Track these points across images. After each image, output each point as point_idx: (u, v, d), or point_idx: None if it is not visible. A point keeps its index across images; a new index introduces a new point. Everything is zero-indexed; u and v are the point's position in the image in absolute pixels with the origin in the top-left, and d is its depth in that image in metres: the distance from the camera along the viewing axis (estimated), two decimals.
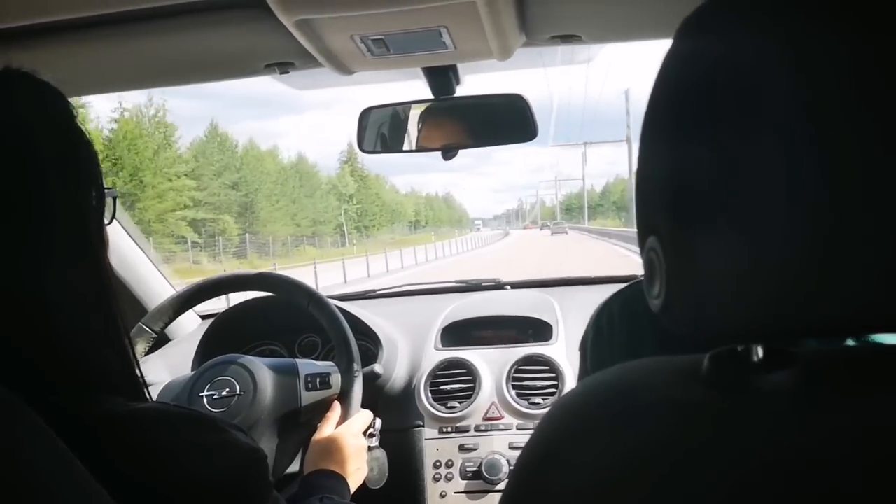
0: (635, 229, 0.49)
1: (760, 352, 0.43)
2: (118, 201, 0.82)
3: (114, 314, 0.74)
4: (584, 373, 0.91)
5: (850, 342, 0.55)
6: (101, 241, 0.74)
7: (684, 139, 0.42)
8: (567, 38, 1.16)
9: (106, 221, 0.75)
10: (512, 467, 1.60)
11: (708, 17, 0.43)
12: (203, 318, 2.11)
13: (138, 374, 0.76)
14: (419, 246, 39.92)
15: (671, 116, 0.43)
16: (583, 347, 0.90)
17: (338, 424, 1.36)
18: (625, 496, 0.41)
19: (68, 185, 0.70)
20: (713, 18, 0.42)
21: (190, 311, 1.71)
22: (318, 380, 1.40)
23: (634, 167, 0.49)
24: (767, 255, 0.37)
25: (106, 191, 0.75)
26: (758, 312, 0.39)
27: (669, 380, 0.46)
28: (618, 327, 0.83)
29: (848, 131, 0.35)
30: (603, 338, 0.85)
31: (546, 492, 0.45)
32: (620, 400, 0.46)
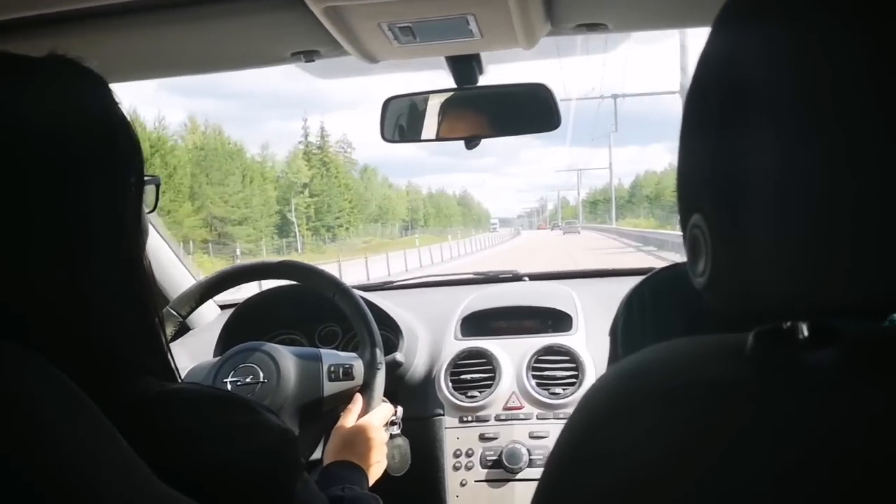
0: (676, 231, 0.47)
1: (806, 329, 0.43)
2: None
3: (147, 298, 0.74)
4: (614, 358, 0.91)
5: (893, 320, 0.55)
6: (138, 228, 0.74)
7: (729, 122, 0.42)
8: (593, 27, 1.16)
9: (148, 209, 0.76)
10: (533, 457, 1.61)
11: (747, 4, 0.43)
12: (222, 307, 2.12)
13: (169, 356, 0.77)
14: (398, 252, 32.38)
15: (717, 100, 0.43)
16: (613, 332, 0.90)
17: (359, 416, 1.37)
18: (674, 473, 0.41)
19: (110, 172, 0.70)
20: (753, 5, 0.42)
21: (210, 300, 1.73)
22: (341, 370, 1.41)
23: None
24: (815, 232, 0.38)
25: (149, 178, 0.75)
26: (805, 289, 0.39)
27: (714, 358, 0.46)
28: (648, 312, 0.84)
29: (891, 118, 0.35)
30: (633, 322, 0.85)
31: (590, 469, 0.45)
32: (666, 378, 0.46)
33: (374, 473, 1.30)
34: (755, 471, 0.38)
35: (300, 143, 69.55)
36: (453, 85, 1.36)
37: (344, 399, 1.41)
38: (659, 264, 1.24)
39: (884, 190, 0.36)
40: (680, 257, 0.47)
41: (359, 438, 1.31)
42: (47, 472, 0.53)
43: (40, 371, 0.56)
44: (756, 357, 0.44)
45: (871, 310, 0.42)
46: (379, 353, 1.43)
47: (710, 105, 0.44)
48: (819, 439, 0.38)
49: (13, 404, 0.53)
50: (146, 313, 0.74)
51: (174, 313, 1.49)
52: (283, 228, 57.14)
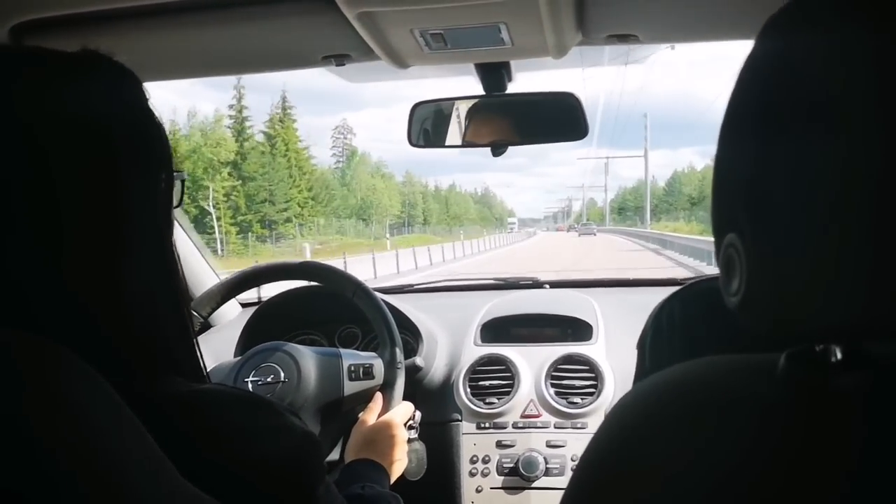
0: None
1: (839, 353, 0.43)
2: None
3: (178, 297, 0.75)
4: (641, 371, 0.91)
5: None
6: (168, 225, 0.75)
7: (768, 139, 0.41)
8: (624, 38, 1.16)
9: (175, 204, 0.77)
10: (549, 465, 1.61)
11: (795, 16, 0.42)
12: (244, 306, 2.14)
13: (198, 355, 0.78)
14: (361, 256, 27.62)
15: (755, 115, 0.43)
16: (640, 346, 0.90)
17: (379, 415, 1.37)
18: (706, 493, 0.41)
19: (142, 170, 0.71)
20: (800, 18, 0.42)
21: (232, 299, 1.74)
22: (361, 370, 1.41)
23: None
24: (852, 255, 0.37)
25: (176, 173, 0.76)
26: (840, 312, 0.39)
27: (745, 377, 0.46)
28: (677, 327, 0.84)
29: None
30: (662, 337, 0.85)
31: (622, 484, 0.45)
32: (696, 396, 0.46)
33: (395, 471, 1.30)
34: (783, 492, 0.38)
35: (230, 108, 52.88)
36: (481, 91, 1.37)
37: (364, 398, 1.42)
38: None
39: None
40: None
41: (380, 436, 1.31)
42: (90, 473, 0.53)
43: (79, 371, 0.57)
44: (787, 379, 0.44)
45: None
46: (399, 352, 1.44)
47: (750, 120, 0.44)
48: (845, 463, 0.38)
49: (55, 403, 0.54)
50: (180, 310, 0.75)
51: (196, 314, 1.50)
52: (200, 222, 43.18)
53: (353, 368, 1.41)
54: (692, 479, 0.42)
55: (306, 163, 55.42)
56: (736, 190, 0.45)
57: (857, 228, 0.37)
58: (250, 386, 1.36)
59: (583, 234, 68.69)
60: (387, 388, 1.42)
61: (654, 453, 0.45)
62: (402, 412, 1.40)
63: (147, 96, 0.74)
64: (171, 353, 0.73)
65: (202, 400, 0.71)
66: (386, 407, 1.39)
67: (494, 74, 1.31)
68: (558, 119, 1.42)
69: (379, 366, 1.44)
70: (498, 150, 1.43)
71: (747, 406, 0.43)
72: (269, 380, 1.37)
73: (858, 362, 0.42)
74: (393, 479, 1.29)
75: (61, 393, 0.55)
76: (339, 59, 1.23)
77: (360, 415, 1.38)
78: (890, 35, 0.37)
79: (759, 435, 0.41)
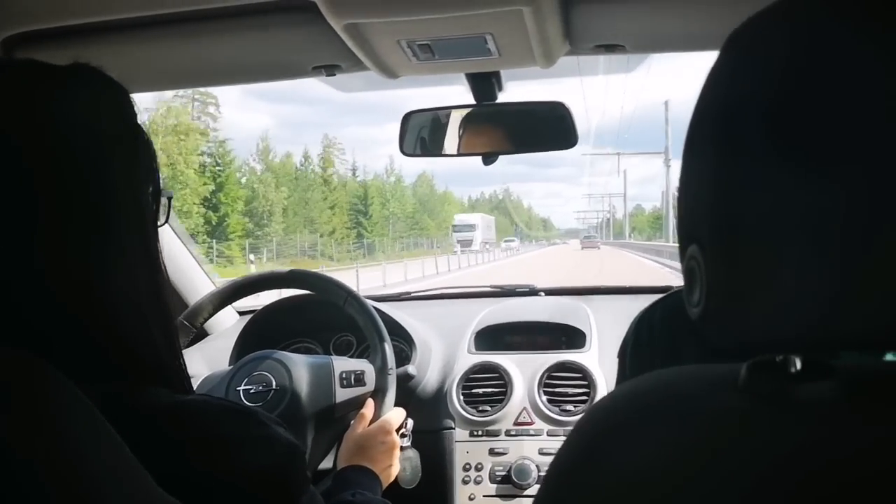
0: None
1: (799, 363, 0.43)
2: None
3: (166, 308, 0.76)
4: (622, 379, 0.91)
5: (889, 356, 0.55)
6: (156, 238, 0.76)
7: (730, 153, 0.42)
8: (611, 48, 1.17)
9: (160, 222, 0.77)
10: (542, 473, 1.61)
11: (755, 31, 0.43)
12: (241, 314, 2.14)
13: (183, 366, 0.78)
14: None
15: (717, 129, 0.44)
16: (622, 354, 0.90)
17: (371, 422, 1.38)
18: (657, 498, 0.41)
19: (130, 182, 0.71)
20: (761, 33, 0.42)
21: (228, 306, 1.75)
22: (352, 377, 1.42)
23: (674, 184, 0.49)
24: (810, 267, 0.38)
25: (161, 191, 0.77)
26: (798, 323, 0.39)
27: (707, 387, 0.46)
28: (658, 335, 0.84)
29: None
30: (643, 345, 0.85)
31: (586, 490, 0.46)
32: (657, 405, 0.47)
33: (387, 478, 1.31)
34: (741, 498, 0.39)
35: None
36: (473, 101, 1.38)
37: (356, 405, 1.42)
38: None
39: (880, 223, 0.36)
40: None
41: (371, 443, 1.32)
42: (62, 484, 0.54)
43: (54, 383, 0.58)
44: (748, 389, 0.44)
45: (865, 345, 0.42)
46: (390, 358, 1.45)
47: (711, 132, 0.44)
48: (807, 475, 0.38)
49: (30, 416, 0.54)
50: (166, 323, 0.76)
51: (186, 324, 1.51)
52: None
53: (344, 375, 1.42)
54: (650, 490, 0.42)
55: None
56: (697, 202, 0.45)
57: (815, 242, 0.37)
58: (242, 394, 1.37)
59: (586, 247, 68.14)
60: (378, 394, 1.43)
61: (613, 467, 0.45)
62: (394, 418, 1.41)
63: (136, 110, 0.75)
64: (157, 365, 0.73)
65: (186, 411, 0.71)
66: (377, 413, 1.40)
67: (484, 84, 1.32)
68: (549, 128, 1.42)
69: (370, 372, 1.44)
70: (489, 159, 1.44)
71: (707, 416, 0.44)
72: (261, 388, 1.38)
73: (819, 373, 0.43)
74: (385, 485, 1.29)
75: (37, 405, 0.55)
76: (330, 70, 1.24)
77: (352, 421, 1.38)
78: (859, 47, 0.37)
79: (718, 445, 0.41)
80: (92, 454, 0.56)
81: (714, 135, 0.44)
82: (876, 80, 0.36)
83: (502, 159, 1.46)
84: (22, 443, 0.53)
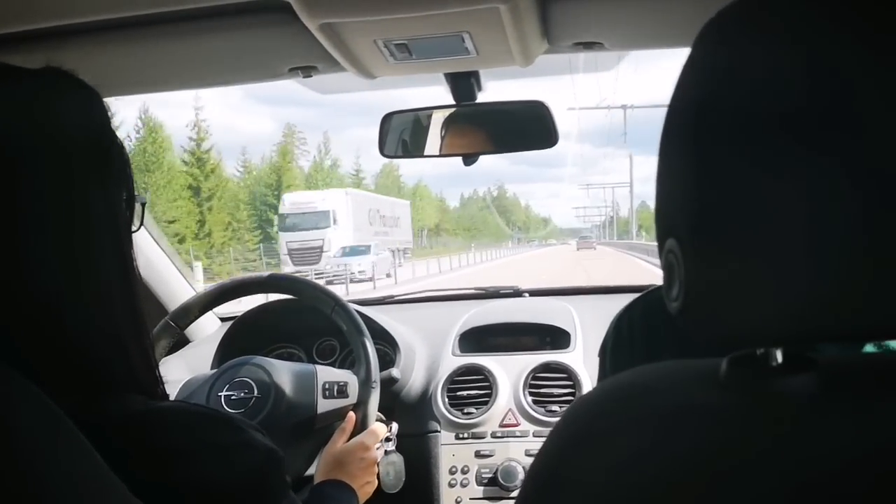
0: None
1: (780, 356, 0.43)
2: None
3: (139, 314, 0.74)
4: (602, 378, 0.91)
5: (869, 348, 0.54)
6: (129, 244, 0.74)
7: (704, 147, 0.42)
8: (589, 45, 1.17)
9: (134, 228, 0.76)
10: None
11: (727, 24, 0.43)
12: (223, 320, 2.12)
13: (157, 372, 0.77)
14: None
15: (691, 123, 0.43)
16: (602, 353, 0.90)
17: (352, 435, 1.36)
18: (644, 496, 0.41)
19: (102, 186, 0.70)
20: (732, 26, 0.42)
21: (209, 312, 1.73)
22: (335, 388, 1.41)
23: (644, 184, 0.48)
24: (789, 261, 0.37)
25: (135, 196, 0.76)
26: (778, 316, 0.39)
27: (687, 383, 0.46)
28: (638, 333, 0.84)
29: (878, 140, 0.35)
30: (623, 343, 0.85)
31: (562, 493, 0.45)
32: (639, 402, 0.46)
33: (365, 493, 1.30)
34: (725, 496, 0.38)
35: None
36: (453, 101, 1.37)
37: (337, 416, 1.40)
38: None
39: (857, 215, 0.35)
40: None
41: (350, 458, 1.30)
42: (23, 491, 0.52)
43: (18, 391, 0.56)
44: (729, 383, 0.44)
45: (845, 338, 0.42)
46: (374, 371, 1.43)
47: (685, 127, 0.44)
48: (789, 468, 0.37)
49: None
50: (141, 327, 0.74)
51: (173, 325, 1.49)
52: None
53: (327, 386, 1.41)
54: (631, 488, 0.41)
55: None
56: (674, 198, 0.45)
57: (794, 235, 0.37)
58: (223, 400, 1.35)
59: (581, 247, 66.50)
60: (360, 406, 1.41)
61: (593, 466, 0.44)
62: (375, 434, 1.39)
63: (109, 113, 0.74)
64: (131, 371, 0.72)
65: (160, 417, 0.71)
66: (359, 427, 1.38)
67: (463, 84, 1.31)
68: (530, 128, 1.42)
69: (354, 384, 1.43)
70: (469, 160, 1.43)
71: (689, 411, 0.43)
72: (242, 394, 1.36)
73: (800, 366, 0.42)
74: (362, 501, 1.28)
75: (3, 417, 0.54)
76: (307, 72, 1.23)
77: (333, 434, 1.36)
78: (828, 39, 0.37)
79: (701, 439, 0.41)
80: (52, 461, 0.55)
81: (688, 129, 0.44)
82: (847, 73, 0.36)
83: (503, 160, 1.45)
84: None
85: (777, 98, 0.37)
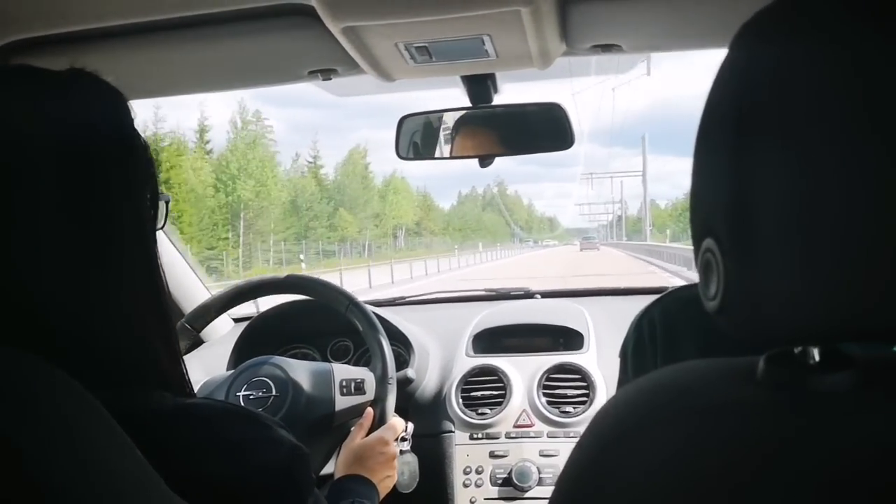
0: None
1: (817, 354, 0.43)
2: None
3: (166, 312, 0.75)
4: (624, 379, 0.91)
5: None
6: (154, 242, 0.75)
7: (743, 147, 0.42)
8: (607, 48, 1.17)
9: (158, 225, 0.77)
10: (543, 475, 1.61)
11: (766, 26, 0.43)
12: (236, 321, 2.13)
13: (184, 370, 0.78)
14: None
15: (730, 123, 0.44)
16: (623, 354, 0.90)
17: (370, 431, 1.37)
18: (685, 493, 0.41)
19: (128, 188, 0.71)
20: (772, 28, 0.43)
21: (224, 314, 1.74)
22: (352, 384, 1.42)
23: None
24: (829, 259, 0.38)
25: (160, 195, 0.77)
26: (817, 314, 0.39)
27: (725, 381, 0.46)
28: (659, 334, 0.84)
29: None
30: (644, 344, 0.86)
31: (603, 490, 0.46)
32: (678, 399, 0.47)
33: (385, 488, 1.30)
34: (766, 494, 0.39)
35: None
36: (468, 103, 1.38)
37: (355, 413, 1.42)
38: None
39: None
40: None
41: (370, 453, 1.31)
42: (80, 489, 0.53)
43: (67, 388, 0.57)
44: (767, 381, 0.44)
45: (884, 337, 0.43)
46: (390, 368, 1.44)
47: (724, 127, 0.44)
48: (829, 465, 0.38)
49: (44, 421, 0.54)
50: (166, 326, 0.75)
51: (189, 328, 1.51)
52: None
53: (344, 383, 1.41)
54: (674, 488, 0.42)
55: None
56: (712, 197, 0.45)
57: (836, 234, 0.38)
58: (242, 400, 1.36)
59: (585, 248, 65.27)
60: (378, 403, 1.42)
61: (632, 464, 0.45)
62: (393, 429, 1.40)
63: (133, 116, 0.74)
64: (159, 369, 0.73)
65: (190, 414, 0.71)
66: (377, 422, 1.39)
67: (480, 86, 1.32)
68: (545, 130, 1.42)
69: (370, 381, 1.44)
70: (485, 162, 1.44)
71: (728, 410, 0.44)
72: (260, 394, 1.37)
73: (836, 363, 0.43)
74: (382, 495, 1.29)
75: (51, 411, 0.55)
76: (326, 74, 1.23)
77: (351, 430, 1.38)
78: (867, 40, 0.37)
79: (742, 438, 0.41)
80: (106, 455, 0.56)
81: (727, 129, 0.44)
82: (884, 74, 0.36)
83: (511, 159, 1.46)
84: (29, 439, 0.52)
85: (821, 99, 0.38)
